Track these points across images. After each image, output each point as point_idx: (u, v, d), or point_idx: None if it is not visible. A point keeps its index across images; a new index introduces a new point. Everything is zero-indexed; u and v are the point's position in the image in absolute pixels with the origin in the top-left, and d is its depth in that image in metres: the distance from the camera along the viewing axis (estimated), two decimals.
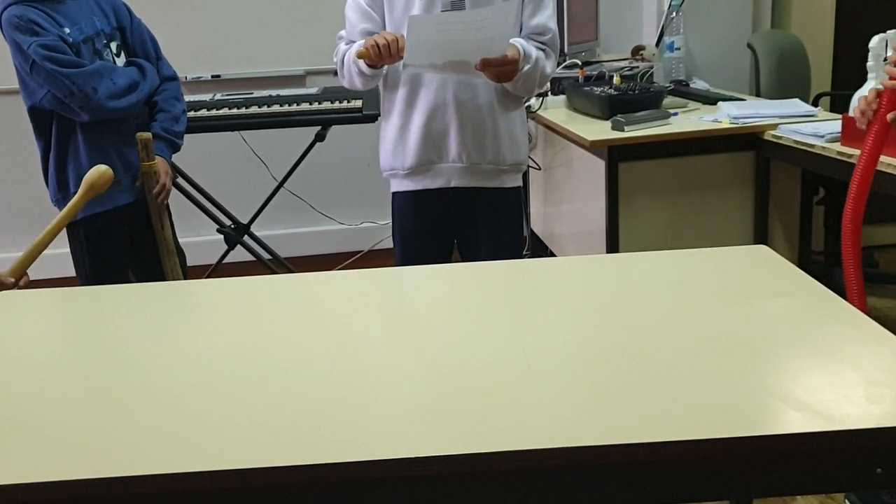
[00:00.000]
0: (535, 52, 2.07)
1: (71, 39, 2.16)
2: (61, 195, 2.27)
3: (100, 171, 1.99)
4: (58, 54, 2.10)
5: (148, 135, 2.24)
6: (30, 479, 0.89)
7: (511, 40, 2.01)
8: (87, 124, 2.20)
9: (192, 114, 3.08)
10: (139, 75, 2.29)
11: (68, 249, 2.34)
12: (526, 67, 2.04)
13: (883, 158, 2.15)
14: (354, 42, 2.11)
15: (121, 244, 2.35)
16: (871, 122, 1.79)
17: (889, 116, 1.75)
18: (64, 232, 2.32)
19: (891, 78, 1.74)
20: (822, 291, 1.31)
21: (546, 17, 2.11)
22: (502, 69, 2.00)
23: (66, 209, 1.96)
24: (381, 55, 1.96)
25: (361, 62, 2.03)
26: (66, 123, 2.21)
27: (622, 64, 3.41)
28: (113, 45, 2.29)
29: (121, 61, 2.31)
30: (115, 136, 2.25)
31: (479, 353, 1.15)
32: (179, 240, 2.54)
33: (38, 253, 1.81)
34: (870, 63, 2.36)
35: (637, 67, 3.28)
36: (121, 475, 0.89)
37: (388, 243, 3.23)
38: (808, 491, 0.98)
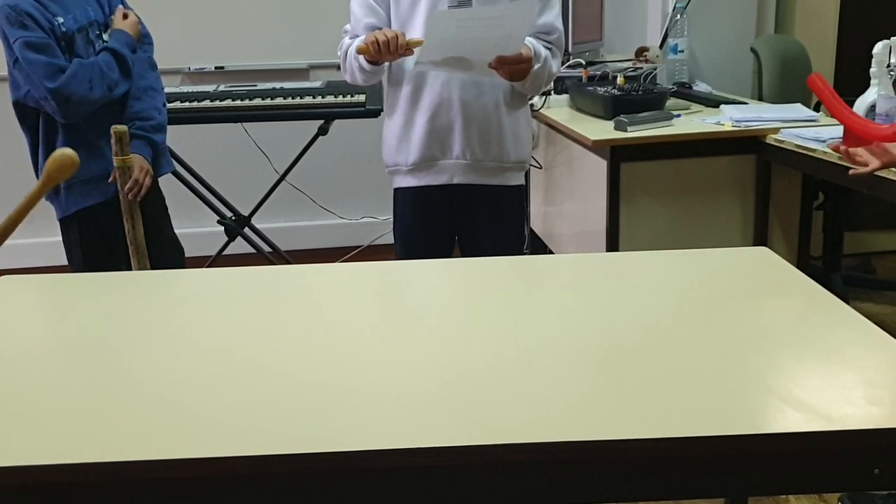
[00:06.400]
0: (543, 51, 2.08)
1: (65, 28, 2.15)
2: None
3: (56, 157, 1.61)
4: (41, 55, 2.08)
5: (123, 128, 2.16)
6: (22, 461, 0.89)
7: None
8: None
9: (195, 104, 3.09)
10: (119, 75, 2.25)
11: (60, 239, 2.33)
12: (537, 66, 2.05)
13: None
14: (359, 36, 2.11)
15: (114, 239, 2.30)
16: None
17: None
18: (57, 224, 2.31)
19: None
20: (822, 294, 1.32)
21: (553, 16, 2.12)
22: (516, 67, 2.00)
23: (26, 198, 1.60)
24: (381, 51, 1.96)
25: (361, 58, 2.03)
26: (52, 118, 2.20)
27: (626, 65, 3.42)
28: (106, 36, 2.28)
29: None
30: (102, 130, 2.21)
31: (477, 347, 1.16)
32: (179, 231, 2.54)
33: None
34: (873, 69, 2.37)
35: (641, 68, 3.29)
36: (111, 460, 0.89)
37: (388, 238, 3.24)
38: (807, 490, 0.98)
